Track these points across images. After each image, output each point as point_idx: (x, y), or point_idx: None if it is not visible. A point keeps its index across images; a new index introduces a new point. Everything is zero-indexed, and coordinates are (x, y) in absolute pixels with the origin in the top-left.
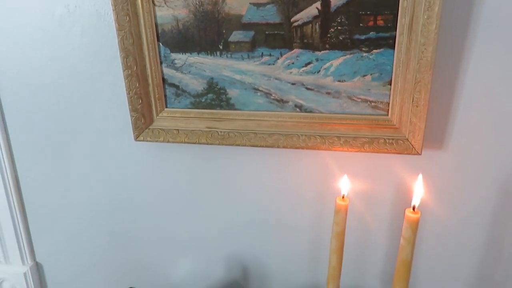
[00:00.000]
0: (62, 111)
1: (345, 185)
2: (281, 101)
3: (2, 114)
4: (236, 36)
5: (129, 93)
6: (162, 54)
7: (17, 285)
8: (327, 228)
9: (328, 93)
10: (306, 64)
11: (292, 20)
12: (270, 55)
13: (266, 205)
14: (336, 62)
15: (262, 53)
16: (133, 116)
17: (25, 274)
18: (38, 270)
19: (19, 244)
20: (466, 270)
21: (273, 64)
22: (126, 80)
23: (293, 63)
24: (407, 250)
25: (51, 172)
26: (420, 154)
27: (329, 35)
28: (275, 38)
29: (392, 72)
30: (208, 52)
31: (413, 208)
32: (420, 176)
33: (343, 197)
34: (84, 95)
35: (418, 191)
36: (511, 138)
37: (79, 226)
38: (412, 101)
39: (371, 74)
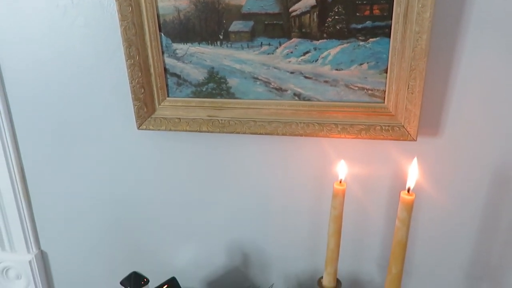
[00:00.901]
0: (65, 101)
1: (342, 170)
2: (280, 90)
3: (7, 104)
4: (236, 26)
5: (132, 83)
6: (164, 44)
7: (22, 273)
8: (326, 214)
9: (326, 82)
10: (305, 53)
11: (290, 10)
12: (269, 44)
13: (265, 191)
14: (333, 51)
15: (262, 42)
16: (135, 105)
17: (30, 262)
18: (43, 258)
19: (24, 233)
20: (461, 254)
21: (272, 53)
22: (129, 70)
23: (291, 52)
24: (402, 231)
25: (55, 161)
26: (415, 141)
27: (326, 24)
28: (274, 27)
29: (388, 60)
30: (209, 42)
31: (408, 190)
32: (415, 159)
33: (340, 182)
34: (87, 85)
35: (413, 173)
36: (505, 125)
37: (83, 215)
38: (408, 89)
39: (367, 63)
